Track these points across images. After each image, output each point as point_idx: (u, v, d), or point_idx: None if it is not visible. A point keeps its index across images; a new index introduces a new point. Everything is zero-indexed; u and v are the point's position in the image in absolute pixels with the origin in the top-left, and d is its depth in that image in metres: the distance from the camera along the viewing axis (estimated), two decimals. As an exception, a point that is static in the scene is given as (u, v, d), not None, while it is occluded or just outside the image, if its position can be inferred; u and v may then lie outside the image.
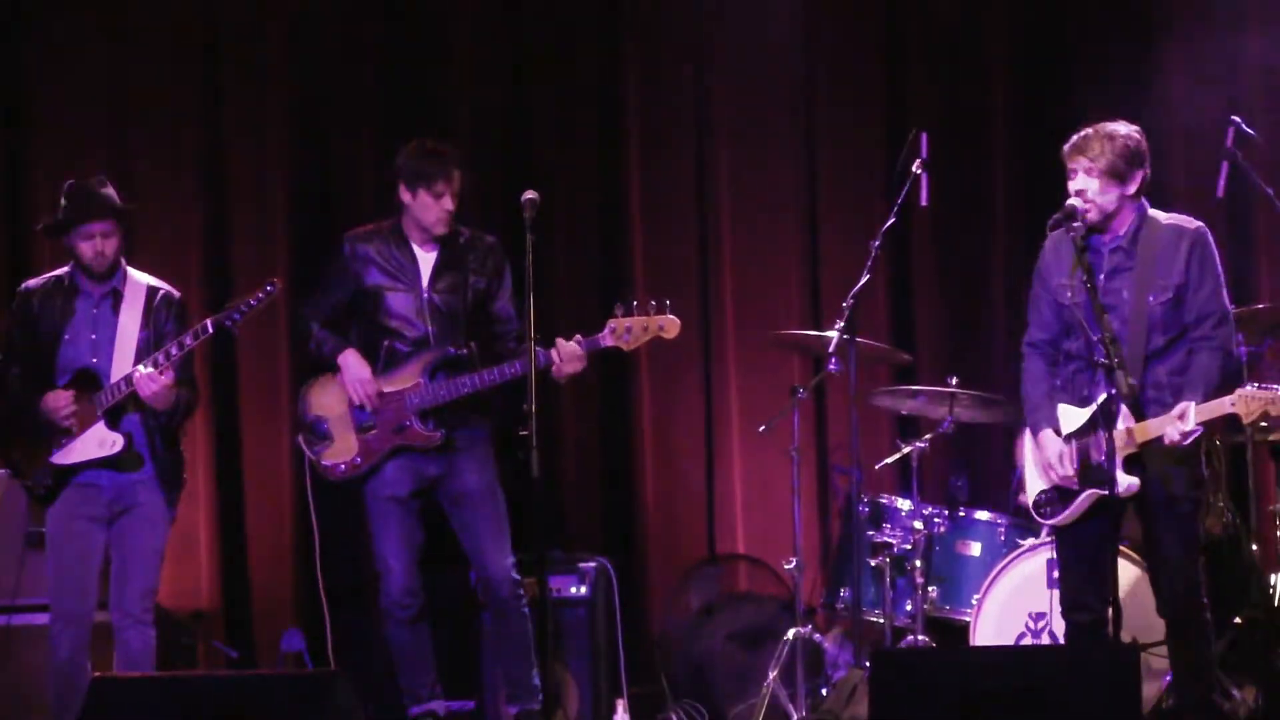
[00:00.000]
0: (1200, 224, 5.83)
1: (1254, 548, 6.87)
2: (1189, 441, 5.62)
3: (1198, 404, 5.57)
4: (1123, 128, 5.77)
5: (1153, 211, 5.83)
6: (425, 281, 6.52)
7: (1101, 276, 5.75)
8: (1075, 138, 5.78)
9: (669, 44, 8.39)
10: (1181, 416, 5.56)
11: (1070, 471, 5.73)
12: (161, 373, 6.21)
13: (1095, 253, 5.78)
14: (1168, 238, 5.77)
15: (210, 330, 6.23)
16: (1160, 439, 5.61)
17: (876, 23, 8.30)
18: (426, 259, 6.54)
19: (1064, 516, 5.78)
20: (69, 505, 6.32)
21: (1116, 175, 5.72)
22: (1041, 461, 5.82)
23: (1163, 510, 5.71)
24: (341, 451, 6.52)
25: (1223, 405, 5.59)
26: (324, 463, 6.55)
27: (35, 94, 8.16)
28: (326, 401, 6.57)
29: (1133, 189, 5.77)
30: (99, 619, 6.38)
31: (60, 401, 6.29)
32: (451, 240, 6.56)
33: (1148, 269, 5.74)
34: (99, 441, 6.28)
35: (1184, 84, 7.78)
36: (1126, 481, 5.63)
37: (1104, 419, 5.64)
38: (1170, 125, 7.80)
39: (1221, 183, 6.76)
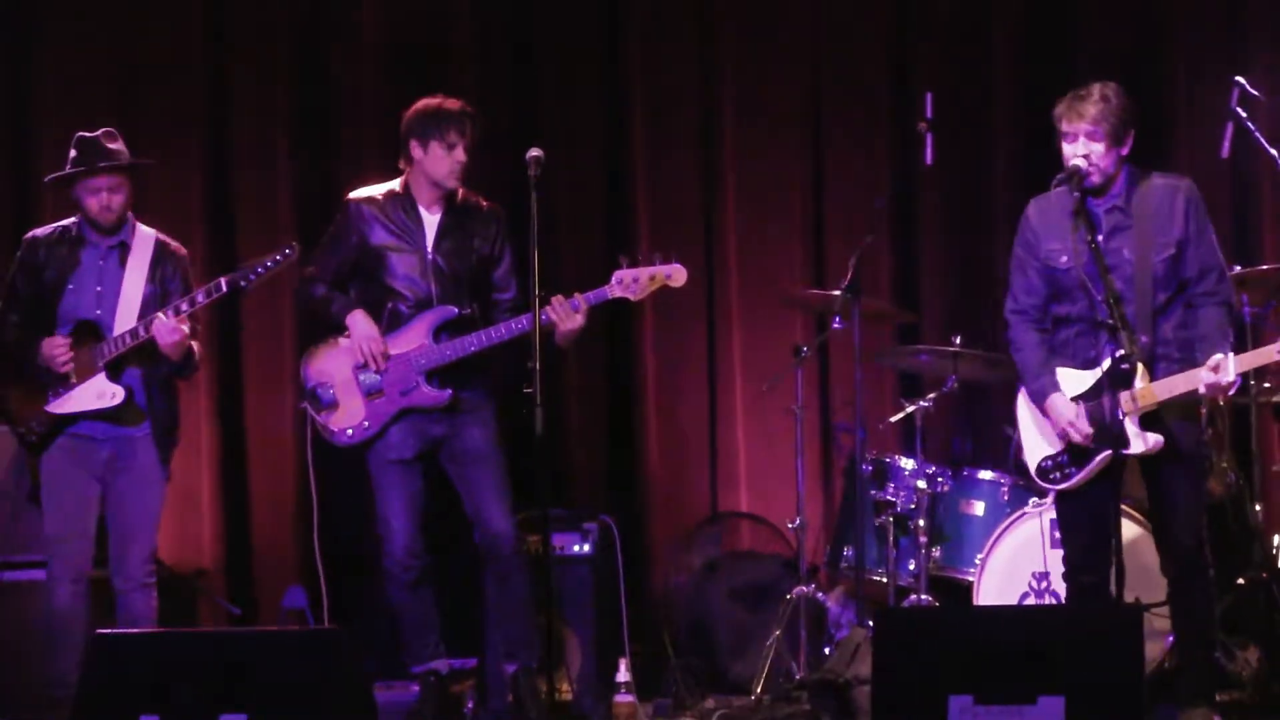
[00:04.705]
0: (1189, 180, 5.82)
1: (1257, 508, 6.87)
2: (1232, 393, 5.61)
3: (1236, 354, 5.55)
4: (1112, 87, 5.72)
5: (1139, 169, 5.80)
6: (430, 243, 6.48)
7: (1101, 237, 5.70)
8: (1073, 99, 5.72)
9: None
10: (1216, 368, 5.52)
11: (1089, 432, 5.70)
12: (181, 322, 6.20)
13: (1091, 214, 5.73)
14: (1161, 194, 5.75)
15: (225, 289, 6.21)
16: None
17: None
18: (431, 220, 6.50)
19: (1078, 479, 5.74)
20: (64, 455, 6.30)
21: (1117, 138, 5.70)
22: (1055, 426, 5.77)
23: (1174, 464, 5.70)
24: (348, 416, 6.49)
25: (1267, 354, 5.58)
26: (331, 428, 6.51)
27: (42, 43, 8.15)
28: (328, 368, 6.53)
29: (1127, 150, 5.74)
30: (98, 576, 6.37)
31: (57, 347, 6.26)
32: (458, 203, 6.53)
33: (1146, 226, 5.70)
34: (98, 393, 6.25)
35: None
36: (1153, 439, 5.62)
37: (1115, 379, 5.62)
38: (1173, 89, 7.80)
39: (1226, 144, 6.73)
